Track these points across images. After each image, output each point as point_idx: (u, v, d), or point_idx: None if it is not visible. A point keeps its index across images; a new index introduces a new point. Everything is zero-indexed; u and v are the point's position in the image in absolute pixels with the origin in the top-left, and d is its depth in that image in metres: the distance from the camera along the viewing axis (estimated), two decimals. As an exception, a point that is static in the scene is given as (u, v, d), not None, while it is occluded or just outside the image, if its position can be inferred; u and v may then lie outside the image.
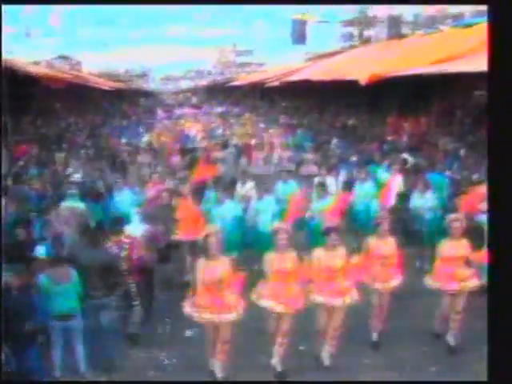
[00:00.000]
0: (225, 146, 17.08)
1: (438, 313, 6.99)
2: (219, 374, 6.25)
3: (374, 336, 7.02)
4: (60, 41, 43.17)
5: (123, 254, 7.10)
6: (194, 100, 57.05)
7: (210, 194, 10.02)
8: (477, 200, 8.53)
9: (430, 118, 17.88)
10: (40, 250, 6.35)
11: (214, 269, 5.88)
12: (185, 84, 78.33)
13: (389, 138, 17.35)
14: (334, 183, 10.73)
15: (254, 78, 40.77)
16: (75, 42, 49.43)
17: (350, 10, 30.92)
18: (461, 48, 14.47)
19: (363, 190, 10.09)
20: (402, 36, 23.28)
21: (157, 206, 9.47)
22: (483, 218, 8.44)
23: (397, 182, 10.24)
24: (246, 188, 10.33)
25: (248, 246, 9.22)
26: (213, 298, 5.88)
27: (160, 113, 36.47)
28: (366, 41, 28.77)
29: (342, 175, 11.51)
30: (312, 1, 27.89)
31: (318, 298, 6.24)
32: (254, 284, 6.30)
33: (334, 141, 17.80)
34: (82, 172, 12.31)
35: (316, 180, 10.59)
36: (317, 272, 6.22)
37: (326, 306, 6.26)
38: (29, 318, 5.70)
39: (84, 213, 8.94)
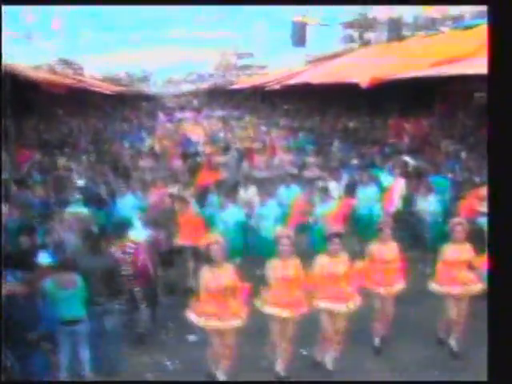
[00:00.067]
0: (226, 150, 17.10)
1: (441, 317, 7.00)
2: (221, 378, 6.29)
3: (377, 340, 7.05)
4: (61, 44, 43.17)
5: (128, 258, 7.14)
6: (196, 103, 57.05)
7: (213, 199, 10.05)
8: (476, 203, 8.54)
9: (432, 121, 17.91)
10: (43, 257, 6.36)
11: (218, 276, 5.91)
12: (186, 87, 78.37)
13: (390, 141, 17.35)
14: (336, 187, 10.74)
15: (255, 80, 40.80)
16: (76, 45, 49.43)
17: (350, 12, 30.93)
18: (461, 50, 14.47)
19: (366, 194, 10.09)
20: (402, 38, 23.28)
21: (159, 211, 9.51)
22: (484, 221, 8.50)
23: (400, 186, 10.25)
24: (249, 193, 10.36)
25: (251, 251, 9.25)
26: (217, 304, 5.91)
27: (161, 116, 36.48)
28: (367, 43, 28.78)
29: (344, 179, 11.53)
30: (312, 2, 27.90)
31: (322, 304, 6.26)
32: (257, 289, 6.32)
33: (336, 144, 17.80)
34: (85, 177, 12.34)
35: (319, 184, 10.61)
36: (320, 278, 6.24)
37: (330, 311, 6.29)
38: (34, 325, 5.74)
39: (88, 218, 8.96)
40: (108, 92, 34.75)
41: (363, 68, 19.06)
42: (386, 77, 15.20)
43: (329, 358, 6.55)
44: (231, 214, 9.20)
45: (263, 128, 25.00)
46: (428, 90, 17.43)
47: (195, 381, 6.51)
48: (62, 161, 14.69)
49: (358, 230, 9.84)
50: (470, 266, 6.79)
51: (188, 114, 38.30)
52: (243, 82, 47.00)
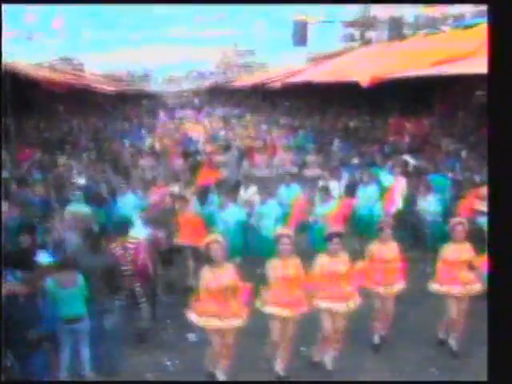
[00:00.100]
0: (227, 148, 17.12)
1: (441, 317, 7.00)
2: (221, 378, 6.30)
3: (376, 340, 7.06)
4: (62, 42, 43.20)
5: (128, 256, 7.17)
6: (196, 101, 57.05)
7: (213, 198, 10.07)
8: (476, 202, 8.54)
9: (432, 120, 17.91)
10: (42, 257, 6.38)
11: (218, 276, 5.90)
12: (187, 85, 78.36)
13: (391, 140, 17.36)
14: (336, 187, 10.74)
15: (256, 79, 40.79)
16: (77, 43, 49.46)
17: (351, 11, 30.94)
18: (462, 49, 14.46)
19: (366, 194, 10.09)
20: (403, 37, 23.26)
21: (160, 210, 9.53)
22: (484, 221, 8.51)
23: (400, 186, 10.24)
24: (249, 192, 10.36)
25: (251, 250, 9.26)
26: (218, 304, 5.91)
27: (162, 115, 36.50)
28: (367, 42, 28.76)
29: (345, 178, 11.53)
30: (313, 0, 27.87)
31: (322, 304, 6.27)
32: (257, 289, 6.32)
33: (336, 143, 17.81)
34: (85, 176, 12.35)
35: (319, 184, 10.62)
36: (320, 278, 6.25)
37: (330, 310, 6.30)
38: (35, 325, 5.75)
39: (88, 217, 8.97)
40: (108, 90, 34.75)
41: (364, 67, 19.05)
42: (386, 76, 15.20)
43: (328, 357, 6.56)
44: (231, 214, 9.22)
45: (264, 127, 25.01)
46: (428, 89, 17.43)
47: (195, 381, 6.51)
48: (62, 159, 14.71)
49: (359, 229, 9.84)
50: (470, 266, 6.79)
51: (189, 113, 38.32)
52: (244, 80, 46.99)
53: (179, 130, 24.90)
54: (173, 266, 9.07)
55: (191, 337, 7.41)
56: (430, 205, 9.53)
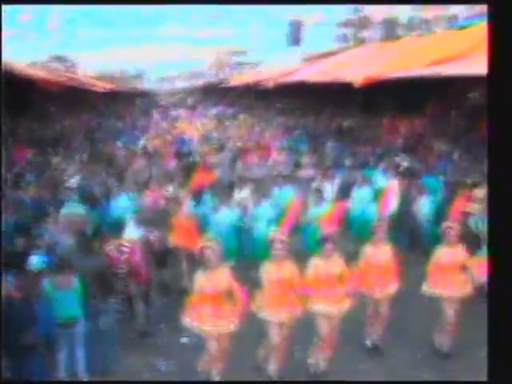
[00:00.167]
0: (220, 149, 17.12)
1: (436, 320, 7.02)
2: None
3: (370, 342, 7.08)
4: (55, 42, 42.97)
5: (123, 257, 7.19)
6: (190, 101, 56.96)
7: (207, 200, 10.07)
8: (466, 204, 8.55)
9: (425, 121, 17.95)
10: (35, 261, 6.37)
11: (213, 280, 5.92)
12: (180, 84, 78.20)
13: (384, 140, 17.40)
14: (330, 188, 10.76)
15: (250, 78, 40.74)
16: (70, 42, 49.22)
17: (344, 12, 30.99)
18: (455, 50, 14.52)
19: (360, 196, 10.12)
20: (396, 37, 23.34)
21: (153, 211, 9.53)
22: (475, 223, 8.56)
23: (395, 188, 10.26)
24: (243, 194, 10.37)
25: (245, 252, 9.27)
26: (213, 308, 5.93)
27: (155, 114, 36.42)
28: (361, 42, 28.86)
29: (338, 179, 11.55)
30: (308, 0, 27.93)
31: (316, 306, 6.29)
32: (252, 291, 6.33)
33: (330, 143, 17.81)
34: (79, 177, 12.32)
35: (313, 186, 10.64)
36: (314, 280, 6.27)
37: (324, 313, 6.31)
38: (32, 327, 5.75)
39: (83, 218, 8.96)
40: (102, 89, 34.61)
41: (357, 67, 19.09)
42: (379, 76, 15.24)
43: (322, 359, 6.58)
44: (225, 216, 9.23)
45: (257, 127, 25.00)
46: (422, 90, 17.46)
47: (191, 381, 6.52)
48: (55, 160, 14.67)
49: (352, 231, 9.88)
50: (463, 268, 6.83)
51: (182, 112, 38.26)
52: (238, 79, 46.92)
53: (172, 130, 24.86)
54: (167, 267, 9.08)
55: (184, 339, 7.42)
56: (422, 207, 9.57)
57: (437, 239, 7.26)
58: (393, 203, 9.67)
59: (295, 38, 27.37)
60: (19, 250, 7.13)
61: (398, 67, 15.75)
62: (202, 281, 5.94)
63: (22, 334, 5.70)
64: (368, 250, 6.84)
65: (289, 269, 6.19)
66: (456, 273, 6.75)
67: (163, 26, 62.23)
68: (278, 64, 38.36)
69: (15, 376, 5.84)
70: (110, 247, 7.32)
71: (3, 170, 12.04)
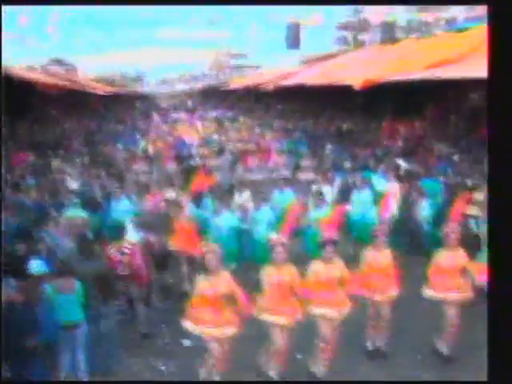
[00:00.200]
0: (220, 152, 17.15)
1: (436, 324, 7.02)
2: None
3: (371, 346, 7.09)
4: (54, 45, 43.02)
5: (124, 259, 7.23)
6: (190, 103, 57.01)
7: (207, 203, 10.08)
8: (465, 206, 8.56)
9: (425, 123, 17.98)
10: (36, 266, 6.37)
11: (214, 284, 5.93)
12: (180, 87, 78.27)
13: (383, 143, 17.42)
14: (330, 191, 10.78)
15: (249, 81, 40.81)
16: (70, 45, 49.27)
17: (344, 14, 31.04)
18: (454, 52, 14.55)
19: (360, 199, 10.13)
20: (395, 40, 23.40)
21: (153, 214, 9.55)
22: (475, 225, 8.57)
23: (395, 191, 10.26)
24: (243, 198, 10.39)
25: (245, 256, 9.28)
26: (214, 313, 5.94)
27: (155, 117, 36.44)
28: (360, 45, 28.91)
29: (338, 182, 11.57)
30: (307, 2, 27.95)
31: (317, 310, 6.30)
32: (252, 294, 6.34)
33: (329, 146, 17.84)
34: (80, 180, 12.34)
35: (313, 189, 10.65)
36: (314, 284, 6.28)
37: (325, 317, 6.33)
38: (34, 331, 5.76)
39: (84, 222, 8.96)
40: (102, 92, 34.68)
41: (356, 70, 19.14)
42: (379, 79, 15.27)
43: (323, 363, 6.58)
44: (225, 220, 9.24)
45: (257, 130, 25.03)
46: (421, 93, 17.50)
47: (192, 381, 6.53)
48: (56, 163, 14.68)
49: (352, 234, 9.89)
50: (463, 271, 6.83)
51: (182, 115, 38.28)
52: (237, 82, 46.99)
53: (172, 133, 24.88)
54: (167, 270, 9.10)
55: (186, 342, 7.44)
56: (422, 210, 9.58)
57: (437, 242, 7.26)
58: (393, 206, 9.68)
59: (294, 41, 27.40)
60: (20, 254, 7.13)
61: (397, 70, 15.78)
62: (203, 284, 5.95)
63: (24, 338, 5.70)
64: (369, 254, 6.84)
65: (289, 272, 6.20)
66: (456, 276, 6.75)
67: (163, 28, 62.39)
68: (278, 66, 38.43)
69: (17, 379, 5.84)
70: (112, 249, 7.36)
71: (3, 172, 12.06)
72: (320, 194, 9.84)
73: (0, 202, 9.13)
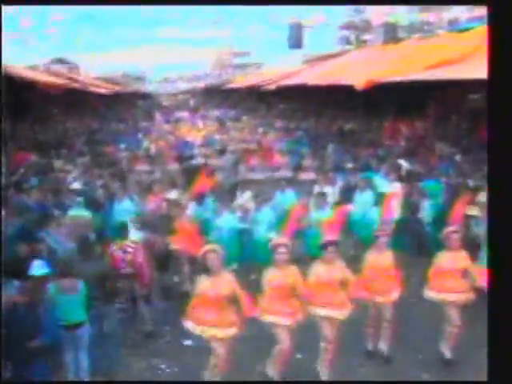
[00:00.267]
0: (222, 152, 17.15)
1: (438, 325, 7.01)
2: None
3: (371, 346, 7.10)
4: (56, 44, 43.03)
5: (127, 258, 7.26)
6: (192, 103, 57.05)
7: (209, 204, 10.08)
8: (466, 207, 8.54)
9: (426, 123, 17.99)
10: (37, 267, 6.39)
11: (216, 285, 5.94)
12: (182, 86, 78.31)
13: (385, 143, 17.42)
14: (331, 192, 10.77)
15: (251, 80, 40.83)
16: (71, 44, 49.29)
17: (346, 14, 31.02)
18: (456, 53, 14.56)
19: (362, 200, 10.12)
20: (397, 40, 23.39)
21: (156, 215, 9.56)
22: (476, 226, 8.56)
23: (397, 192, 10.24)
24: (244, 198, 10.39)
25: (246, 257, 9.29)
26: (215, 313, 5.95)
27: (158, 116, 36.47)
28: (362, 45, 28.90)
29: (339, 183, 11.56)
30: (309, 2, 27.93)
31: (318, 311, 6.31)
32: (253, 295, 6.35)
33: (331, 146, 17.84)
34: (82, 180, 12.35)
35: (315, 190, 10.64)
36: (316, 286, 6.29)
37: (326, 318, 6.33)
38: (37, 332, 5.78)
39: (87, 222, 8.97)
40: (104, 91, 34.71)
41: (358, 70, 19.14)
42: (381, 79, 15.28)
43: (325, 364, 6.58)
44: (227, 220, 9.24)
45: (259, 129, 25.04)
46: (423, 93, 17.50)
47: (194, 381, 6.54)
48: (58, 163, 14.69)
49: (354, 235, 9.88)
50: (465, 272, 6.83)
51: (184, 115, 38.30)
52: (239, 82, 47.00)
53: (175, 133, 24.89)
54: (169, 271, 9.11)
55: (188, 342, 7.45)
56: (424, 210, 9.57)
57: (438, 243, 7.25)
58: (395, 208, 9.66)
59: (297, 41, 27.39)
60: (22, 255, 7.13)
61: (399, 70, 15.79)
62: (205, 285, 5.96)
63: (27, 339, 5.72)
64: (370, 257, 6.83)
65: (291, 273, 6.21)
66: (458, 278, 6.75)
67: (164, 27, 62.32)
68: (280, 66, 38.43)
69: (17, 379, 5.85)
70: (114, 247, 7.40)
71: (4, 173, 12.07)
72: (322, 194, 9.84)
73: (1, 202, 9.14)
